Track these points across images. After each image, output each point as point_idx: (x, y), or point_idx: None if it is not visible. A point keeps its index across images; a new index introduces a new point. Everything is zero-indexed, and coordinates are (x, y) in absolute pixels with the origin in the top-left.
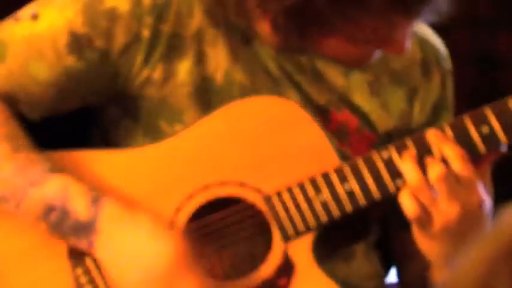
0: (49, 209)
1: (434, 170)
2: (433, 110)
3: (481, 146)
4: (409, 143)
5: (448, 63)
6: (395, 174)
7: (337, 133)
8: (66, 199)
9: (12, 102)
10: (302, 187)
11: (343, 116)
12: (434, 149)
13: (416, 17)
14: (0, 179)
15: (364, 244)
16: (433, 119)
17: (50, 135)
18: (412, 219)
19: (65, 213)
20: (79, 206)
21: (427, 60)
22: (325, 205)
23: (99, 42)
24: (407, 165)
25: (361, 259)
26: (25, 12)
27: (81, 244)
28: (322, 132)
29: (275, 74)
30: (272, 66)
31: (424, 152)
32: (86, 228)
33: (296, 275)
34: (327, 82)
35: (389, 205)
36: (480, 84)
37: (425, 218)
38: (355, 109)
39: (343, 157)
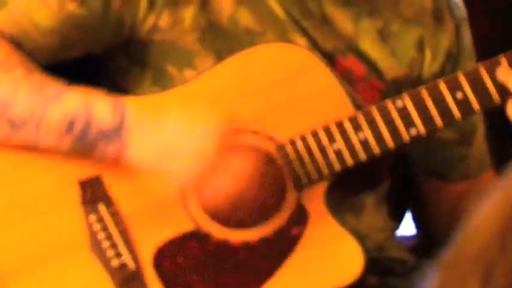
0: (72, 121)
1: None
2: (447, 59)
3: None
4: (503, 59)
5: (461, 12)
6: (410, 123)
7: (344, 80)
8: (87, 108)
9: (17, 46)
10: (316, 135)
11: (350, 62)
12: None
13: None
14: (18, 101)
15: (374, 196)
16: (449, 68)
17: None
18: None
19: (88, 122)
20: (103, 112)
21: (439, 8)
22: (338, 153)
23: None
24: (510, 75)
25: (371, 212)
26: None
27: (112, 150)
28: (336, 78)
29: (281, 18)
30: (278, 10)
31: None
32: (114, 132)
33: (309, 223)
34: (334, 28)
35: (422, 162)
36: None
37: None
38: (362, 56)
39: (356, 105)
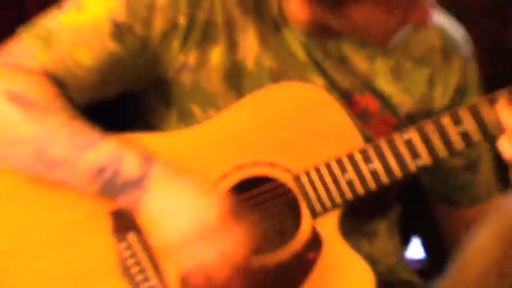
0: (102, 169)
1: None
2: (456, 93)
3: None
4: (502, 95)
5: (468, 50)
6: (415, 154)
7: (360, 116)
8: (118, 159)
9: (60, 86)
10: (329, 167)
11: (366, 100)
12: None
13: None
14: (56, 143)
15: (385, 222)
16: (458, 101)
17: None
18: (510, 161)
19: (116, 172)
20: (131, 164)
21: (447, 47)
22: (350, 183)
23: (139, 30)
24: (505, 112)
25: (383, 237)
26: (70, 2)
27: (131, 198)
28: (347, 115)
29: (303, 60)
30: (300, 52)
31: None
32: (135, 184)
33: (324, 249)
34: (351, 67)
35: (433, 190)
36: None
37: None
38: (377, 93)
39: (366, 138)
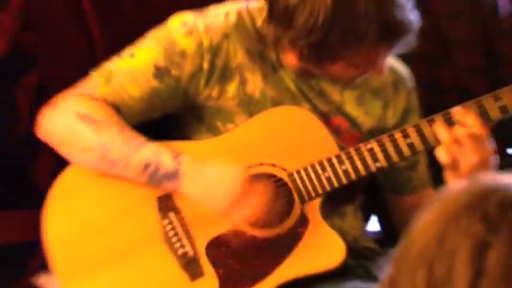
0: (146, 165)
1: (462, 130)
2: (402, 115)
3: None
4: (438, 117)
5: (411, 83)
6: (375, 159)
7: (335, 132)
8: (157, 157)
9: (118, 110)
10: (313, 167)
11: (338, 120)
12: (458, 118)
13: (395, 48)
14: (114, 148)
15: (353, 205)
16: (403, 121)
17: (145, 135)
18: (446, 164)
19: (157, 167)
20: (166, 160)
21: (396, 81)
22: (328, 179)
23: (174, 72)
24: (441, 129)
25: (351, 216)
26: (126, 52)
27: (171, 187)
28: (327, 130)
29: (294, 92)
30: (292, 86)
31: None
32: (173, 175)
33: (309, 225)
34: (328, 97)
35: (384, 183)
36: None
37: (455, 165)
38: (346, 115)
39: (340, 147)
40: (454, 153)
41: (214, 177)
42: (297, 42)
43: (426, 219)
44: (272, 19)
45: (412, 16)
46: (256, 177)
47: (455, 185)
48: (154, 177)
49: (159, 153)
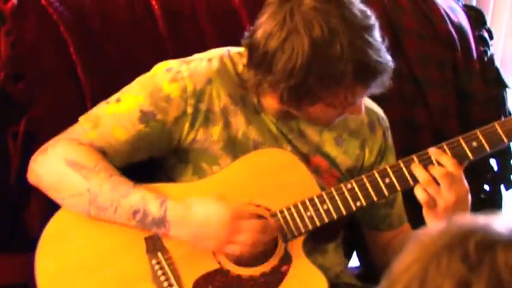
0: (135, 212)
1: (438, 170)
2: (378, 153)
3: (471, 155)
4: (415, 157)
5: (386, 122)
6: (356, 198)
7: (315, 171)
8: (144, 204)
9: (105, 154)
10: (296, 207)
11: (318, 160)
12: (434, 159)
13: (371, 89)
14: (102, 194)
15: (334, 242)
16: (379, 160)
17: (132, 178)
18: (423, 203)
19: (145, 213)
20: (153, 208)
21: (372, 121)
22: (311, 218)
23: (159, 116)
24: (419, 169)
25: (332, 253)
26: (112, 97)
27: (161, 232)
28: (308, 171)
29: (275, 133)
30: (273, 128)
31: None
32: (161, 222)
33: (292, 263)
34: (307, 138)
35: (362, 219)
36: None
37: (432, 203)
38: (326, 156)
39: (320, 187)
40: (431, 192)
41: (200, 217)
42: (277, 86)
43: (407, 260)
44: (252, 64)
45: (387, 57)
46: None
47: (434, 226)
48: (143, 223)
49: (146, 200)
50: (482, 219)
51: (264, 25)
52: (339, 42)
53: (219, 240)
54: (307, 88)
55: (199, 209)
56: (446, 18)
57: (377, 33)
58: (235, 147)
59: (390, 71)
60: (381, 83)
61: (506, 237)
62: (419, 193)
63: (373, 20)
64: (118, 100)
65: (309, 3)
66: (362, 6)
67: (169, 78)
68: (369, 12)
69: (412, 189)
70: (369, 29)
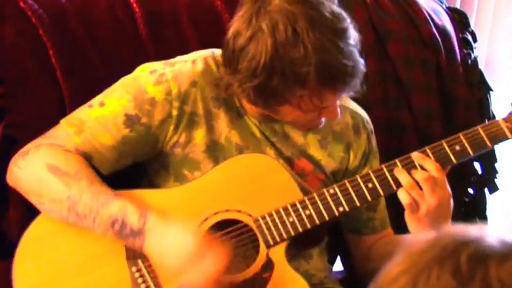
0: (113, 221)
1: (421, 174)
2: (363, 157)
3: (454, 159)
4: (398, 162)
5: (370, 126)
6: (338, 203)
7: (299, 174)
8: (124, 214)
9: (88, 159)
10: (278, 212)
11: (302, 163)
12: (417, 163)
13: (340, 93)
14: (82, 202)
15: (318, 248)
16: (363, 163)
17: (115, 185)
18: (406, 206)
19: (123, 224)
20: (132, 218)
21: (357, 124)
22: (293, 224)
23: (144, 120)
24: (402, 174)
25: (316, 258)
26: (95, 101)
27: (136, 244)
28: (291, 177)
29: (258, 137)
30: (256, 132)
31: (408, 167)
32: (138, 233)
33: (275, 270)
34: (291, 141)
35: (345, 223)
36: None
37: (415, 207)
38: (310, 158)
39: (304, 190)
40: (414, 195)
41: (172, 239)
42: (243, 85)
43: (395, 270)
44: (223, 64)
45: (357, 60)
46: (218, 228)
47: (424, 235)
48: (120, 233)
49: (126, 210)
50: (474, 231)
51: (234, 24)
52: (302, 44)
53: (180, 264)
54: (271, 89)
55: (174, 230)
56: (430, 21)
57: (349, 36)
58: (217, 151)
59: (360, 74)
60: (350, 87)
61: (500, 251)
62: (402, 196)
63: (347, 23)
64: (102, 104)
65: (277, 4)
66: (336, 9)
67: (153, 80)
68: (343, 15)
69: (395, 194)
70: (338, 31)
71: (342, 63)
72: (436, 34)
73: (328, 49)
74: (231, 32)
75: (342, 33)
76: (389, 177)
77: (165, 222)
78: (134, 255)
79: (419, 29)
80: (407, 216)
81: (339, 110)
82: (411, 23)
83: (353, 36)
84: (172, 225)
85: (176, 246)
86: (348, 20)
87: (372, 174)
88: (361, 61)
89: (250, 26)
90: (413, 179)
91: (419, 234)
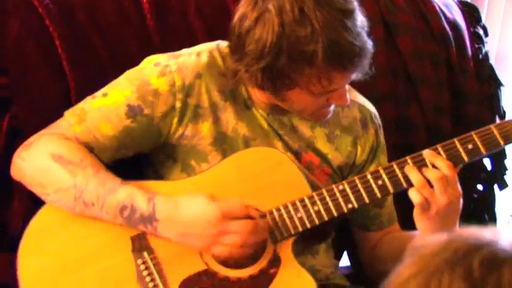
0: (122, 208)
1: (433, 173)
2: (370, 151)
3: (466, 157)
4: (409, 159)
5: (378, 120)
6: (348, 200)
7: (306, 167)
8: (132, 200)
9: (91, 148)
10: (286, 207)
11: (310, 157)
12: (428, 161)
13: (348, 74)
14: (88, 190)
15: (325, 244)
16: (371, 158)
17: (120, 175)
18: (417, 205)
19: (132, 210)
20: (141, 204)
21: (365, 119)
22: (301, 219)
23: (147, 111)
24: (413, 172)
25: (322, 254)
26: (99, 92)
27: (148, 230)
28: (299, 171)
29: (266, 129)
30: (264, 124)
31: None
32: (149, 219)
33: (281, 265)
34: (299, 134)
35: (352, 219)
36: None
37: (426, 206)
38: (317, 152)
39: (312, 184)
40: (425, 195)
41: (189, 216)
42: (250, 69)
43: (406, 273)
44: (230, 50)
45: (365, 40)
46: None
47: (435, 237)
48: (130, 220)
49: (133, 196)
50: (487, 234)
51: (240, 8)
52: (309, 23)
53: (207, 241)
54: (279, 69)
55: (188, 207)
56: (441, 15)
57: (357, 18)
58: (224, 143)
59: (369, 55)
60: (358, 68)
61: None
62: (414, 195)
63: (354, 5)
64: (105, 94)
65: None
66: None
67: (157, 72)
68: None
69: (403, 190)
70: (346, 11)
71: (349, 43)
72: (447, 28)
73: (336, 27)
74: (237, 17)
75: (350, 13)
76: (399, 175)
77: (174, 203)
78: (140, 247)
79: (430, 23)
80: (417, 215)
81: (348, 95)
82: (422, 17)
83: (360, 18)
84: (183, 203)
85: (198, 218)
86: (355, 3)
87: (382, 171)
88: (370, 42)
89: (257, 8)
90: (425, 177)
91: (427, 232)
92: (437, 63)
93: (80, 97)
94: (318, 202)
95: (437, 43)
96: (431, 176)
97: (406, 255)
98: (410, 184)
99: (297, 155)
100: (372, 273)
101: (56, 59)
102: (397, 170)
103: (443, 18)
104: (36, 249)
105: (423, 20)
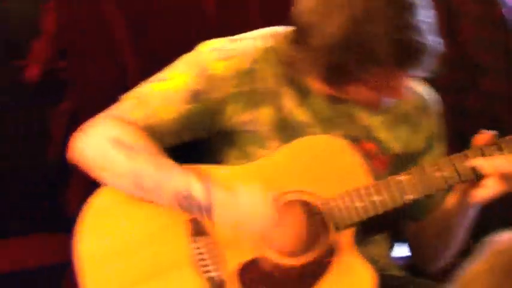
0: (178, 195)
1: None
2: (429, 140)
3: None
4: (469, 152)
5: (439, 109)
6: (413, 190)
7: (365, 156)
8: (189, 187)
9: (150, 133)
10: (349, 195)
11: (369, 145)
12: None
13: (412, 72)
14: (147, 176)
15: (383, 234)
16: (430, 146)
17: (176, 160)
18: (501, 193)
19: (189, 197)
20: (198, 191)
21: (425, 107)
22: (364, 208)
23: (205, 96)
24: (484, 162)
25: (381, 244)
26: (157, 76)
27: (203, 216)
28: (362, 159)
29: (325, 116)
30: (323, 111)
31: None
32: (205, 207)
33: (338, 255)
34: (358, 122)
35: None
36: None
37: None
38: (376, 140)
39: (373, 172)
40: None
41: (246, 207)
42: (315, 63)
43: (479, 269)
44: (293, 40)
45: (434, 40)
46: (289, 205)
47: (506, 234)
48: (186, 206)
49: (191, 184)
50: None
51: (306, 0)
52: (380, 21)
53: (262, 233)
54: (345, 67)
55: (245, 198)
56: (501, 0)
57: (423, 13)
58: (283, 130)
59: (436, 53)
60: (424, 65)
61: None
62: (491, 184)
63: (424, 1)
64: (164, 79)
65: None
66: None
67: (215, 57)
68: None
69: None
70: (415, 9)
71: (418, 42)
72: (507, 14)
73: (405, 26)
74: (302, 8)
75: (419, 11)
76: (463, 167)
77: (231, 192)
78: (196, 231)
79: (490, 9)
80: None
81: (405, 90)
82: (482, 2)
83: (429, 15)
84: (241, 193)
85: (252, 213)
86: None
87: (448, 162)
88: (438, 40)
89: (326, 2)
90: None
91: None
92: (497, 50)
93: (137, 81)
94: (383, 191)
95: (497, 29)
96: (499, 162)
97: (476, 251)
98: (479, 176)
99: (356, 143)
100: (422, 261)
101: (114, 43)
102: (460, 162)
103: (503, 3)
104: (94, 230)
105: (483, 6)
